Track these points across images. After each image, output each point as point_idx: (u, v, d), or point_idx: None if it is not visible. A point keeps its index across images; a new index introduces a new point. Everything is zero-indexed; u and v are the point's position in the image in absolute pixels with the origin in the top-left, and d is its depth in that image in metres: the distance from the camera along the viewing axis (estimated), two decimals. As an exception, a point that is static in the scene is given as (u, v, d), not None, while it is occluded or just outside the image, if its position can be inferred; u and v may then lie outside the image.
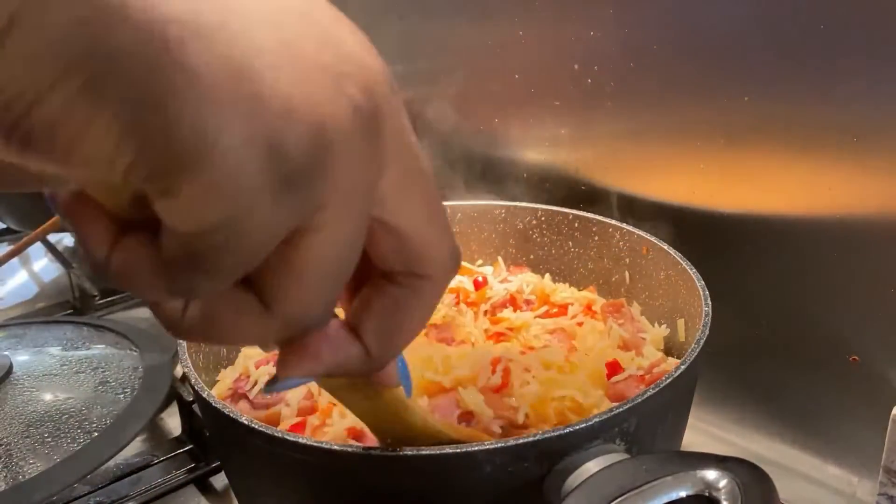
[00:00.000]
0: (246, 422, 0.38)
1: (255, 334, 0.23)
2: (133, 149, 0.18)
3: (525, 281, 0.61)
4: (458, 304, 0.59)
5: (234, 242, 0.20)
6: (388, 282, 0.26)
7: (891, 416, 0.47)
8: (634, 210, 0.63)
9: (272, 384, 0.27)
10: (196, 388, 0.43)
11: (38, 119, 0.18)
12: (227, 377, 0.52)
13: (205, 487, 0.60)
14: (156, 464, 0.60)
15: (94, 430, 0.55)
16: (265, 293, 0.22)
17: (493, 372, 0.46)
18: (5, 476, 0.51)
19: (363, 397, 0.32)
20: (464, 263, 0.64)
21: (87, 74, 0.17)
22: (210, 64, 0.18)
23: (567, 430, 0.36)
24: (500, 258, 0.65)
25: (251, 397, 0.49)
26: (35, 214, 0.93)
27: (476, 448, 0.35)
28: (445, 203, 0.66)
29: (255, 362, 0.51)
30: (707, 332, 0.44)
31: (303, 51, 0.20)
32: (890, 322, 0.50)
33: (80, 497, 0.57)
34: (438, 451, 0.36)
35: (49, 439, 0.54)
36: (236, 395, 0.50)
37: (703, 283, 0.49)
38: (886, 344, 0.51)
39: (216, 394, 0.49)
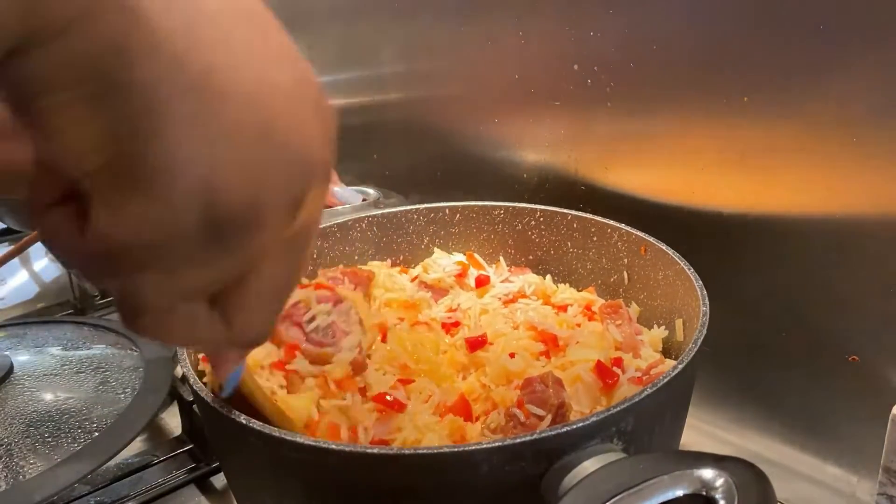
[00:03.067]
0: (244, 421, 0.39)
1: (206, 341, 0.28)
2: (105, 157, 0.21)
3: (527, 282, 0.61)
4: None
5: (153, 265, 0.23)
6: None
7: (890, 416, 0.47)
8: (634, 210, 0.63)
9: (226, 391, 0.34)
10: (194, 387, 0.43)
11: (47, 103, 0.20)
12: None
13: (205, 487, 0.60)
14: (156, 464, 0.61)
15: (95, 430, 0.55)
16: (229, 315, 0.26)
17: None
18: (6, 476, 0.51)
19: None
20: (475, 255, 0.65)
21: (100, 88, 0.20)
22: (188, 104, 0.21)
23: (564, 430, 0.36)
24: (501, 258, 0.66)
25: (306, 329, 0.49)
26: (36, 215, 0.93)
27: (473, 447, 0.35)
28: (445, 204, 0.66)
29: (315, 296, 0.51)
30: (705, 331, 0.44)
31: (274, 123, 0.23)
32: (890, 322, 0.50)
33: (81, 497, 0.57)
34: (436, 450, 0.36)
35: (49, 439, 0.54)
36: (290, 321, 0.49)
37: (700, 283, 0.49)
38: (886, 344, 0.51)
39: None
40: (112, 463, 0.55)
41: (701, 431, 0.63)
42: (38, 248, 1.03)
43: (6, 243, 1.08)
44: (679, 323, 0.52)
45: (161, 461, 0.61)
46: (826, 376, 0.54)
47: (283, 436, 0.37)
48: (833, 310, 0.53)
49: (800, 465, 0.58)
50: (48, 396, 0.59)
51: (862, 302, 0.51)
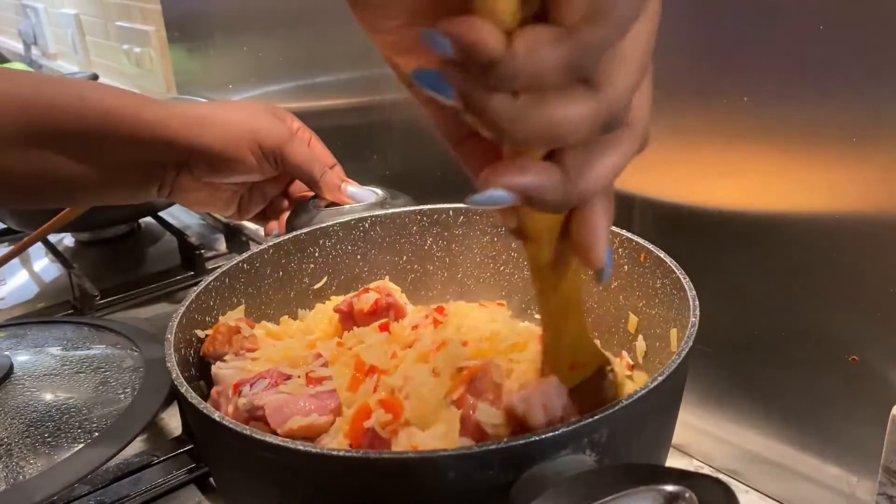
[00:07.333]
0: (217, 419, 0.39)
1: (581, 118, 0.27)
2: None
3: None
4: None
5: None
6: None
7: (890, 416, 0.47)
8: (633, 210, 0.63)
9: (474, 196, 0.31)
10: (176, 383, 0.43)
11: None
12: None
13: (205, 487, 0.60)
14: (156, 464, 0.61)
15: (95, 430, 0.55)
16: (599, 77, 0.27)
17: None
18: (5, 476, 0.51)
19: (553, 268, 0.35)
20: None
21: None
22: None
23: (533, 439, 0.35)
24: None
25: None
26: (35, 215, 0.93)
27: (439, 454, 0.35)
28: (448, 205, 0.66)
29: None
30: (691, 343, 0.43)
31: None
32: (890, 322, 0.50)
33: (80, 497, 0.57)
34: (402, 455, 0.36)
35: (49, 439, 0.54)
36: None
37: (693, 292, 0.48)
38: (886, 344, 0.51)
39: None
40: (112, 463, 0.55)
41: (700, 431, 0.63)
42: (39, 248, 1.03)
43: (6, 243, 1.08)
44: (674, 332, 0.52)
45: (161, 461, 0.61)
46: (826, 376, 0.54)
47: (252, 434, 0.37)
48: (833, 309, 0.53)
49: (800, 465, 0.58)
50: (48, 396, 0.59)
51: (862, 302, 0.51)
